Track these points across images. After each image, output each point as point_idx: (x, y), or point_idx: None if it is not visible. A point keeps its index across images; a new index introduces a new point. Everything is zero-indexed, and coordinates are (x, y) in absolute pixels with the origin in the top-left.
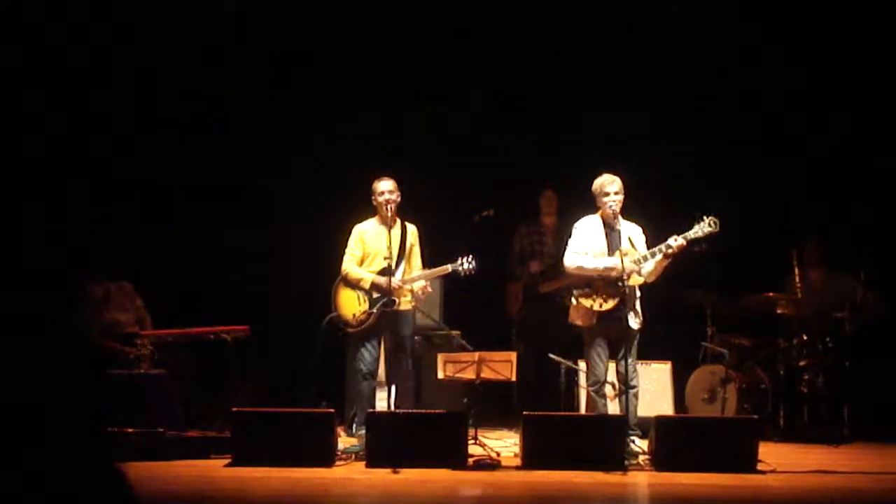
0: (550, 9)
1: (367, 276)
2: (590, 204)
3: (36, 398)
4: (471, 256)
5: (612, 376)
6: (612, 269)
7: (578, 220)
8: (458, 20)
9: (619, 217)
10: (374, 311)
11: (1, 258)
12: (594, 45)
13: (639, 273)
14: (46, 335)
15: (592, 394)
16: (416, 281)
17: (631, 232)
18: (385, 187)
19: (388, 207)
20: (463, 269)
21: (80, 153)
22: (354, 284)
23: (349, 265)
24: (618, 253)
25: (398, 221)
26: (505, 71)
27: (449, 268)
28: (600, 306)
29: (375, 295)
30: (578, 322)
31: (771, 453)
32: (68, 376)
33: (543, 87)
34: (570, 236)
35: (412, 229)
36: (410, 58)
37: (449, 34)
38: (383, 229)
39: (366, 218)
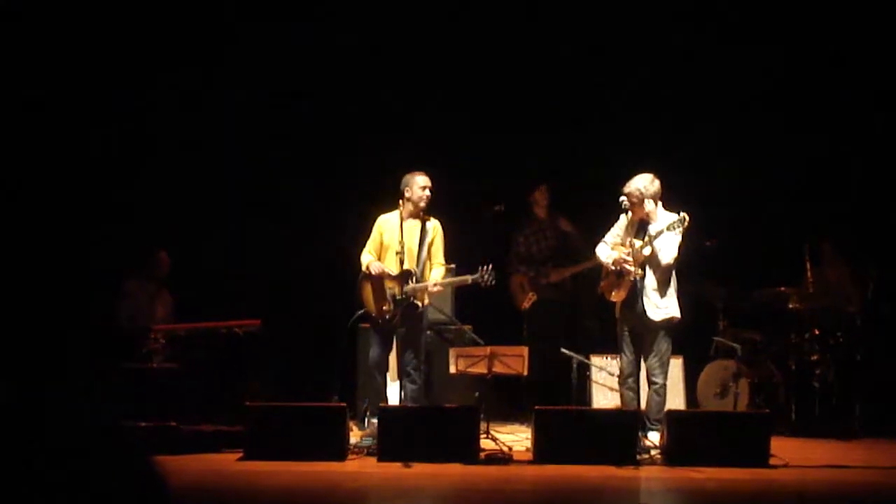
0: (551, 8)
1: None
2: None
3: (81, 394)
4: (490, 267)
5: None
6: (606, 261)
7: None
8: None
9: (653, 214)
10: (399, 310)
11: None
12: (594, 44)
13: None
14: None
15: (622, 388)
16: (433, 287)
17: (661, 227)
18: (427, 182)
19: (425, 202)
20: (483, 280)
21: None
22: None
23: (365, 256)
24: (622, 246)
25: (419, 217)
26: (503, 69)
27: (469, 279)
28: (609, 295)
29: (399, 297)
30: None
31: (783, 448)
32: (111, 369)
33: (545, 86)
34: None
35: (433, 224)
36: (411, 57)
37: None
38: (405, 223)
39: (387, 210)
